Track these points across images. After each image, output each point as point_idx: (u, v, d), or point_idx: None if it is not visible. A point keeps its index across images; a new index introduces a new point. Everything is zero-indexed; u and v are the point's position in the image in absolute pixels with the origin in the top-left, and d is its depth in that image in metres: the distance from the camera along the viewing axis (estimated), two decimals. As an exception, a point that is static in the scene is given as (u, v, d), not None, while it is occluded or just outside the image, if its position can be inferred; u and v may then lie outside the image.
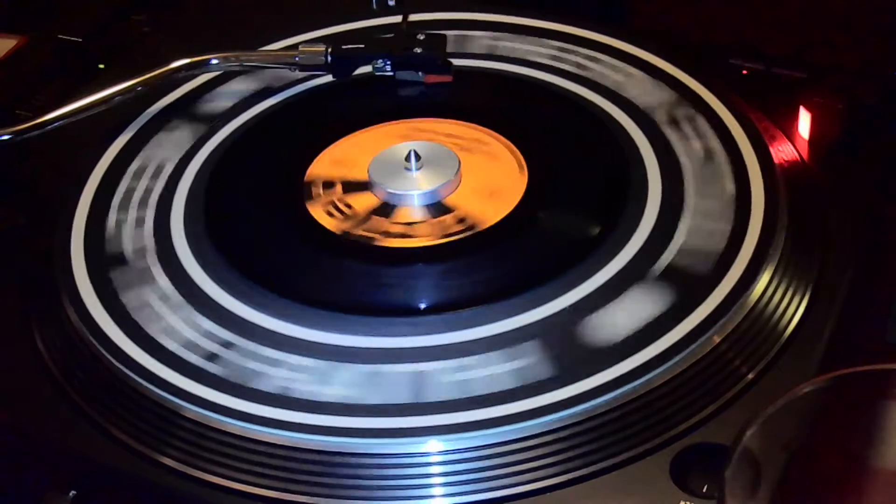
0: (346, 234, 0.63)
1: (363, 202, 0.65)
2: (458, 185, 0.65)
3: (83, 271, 0.62)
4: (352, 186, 0.65)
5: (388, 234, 0.62)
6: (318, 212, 0.64)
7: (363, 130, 0.69)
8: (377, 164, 0.66)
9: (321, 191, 0.65)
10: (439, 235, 0.62)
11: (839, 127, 0.67)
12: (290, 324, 0.58)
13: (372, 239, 0.62)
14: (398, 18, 0.74)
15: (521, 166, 0.66)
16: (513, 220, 0.63)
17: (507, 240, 0.62)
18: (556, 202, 0.64)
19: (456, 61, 0.72)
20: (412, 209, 0.64)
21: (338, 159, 0.68)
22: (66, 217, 0.65)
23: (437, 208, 0.64)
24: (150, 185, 0.67)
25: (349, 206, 0.64)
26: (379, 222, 0.63)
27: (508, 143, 0.67)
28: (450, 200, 0.64)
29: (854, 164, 0.66)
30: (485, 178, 0.65)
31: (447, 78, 0.72)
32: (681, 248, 0.60)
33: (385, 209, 0.64)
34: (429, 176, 0.65)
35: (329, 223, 0.63)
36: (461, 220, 0.63)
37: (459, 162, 0.65)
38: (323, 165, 0.67)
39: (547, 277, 0.59)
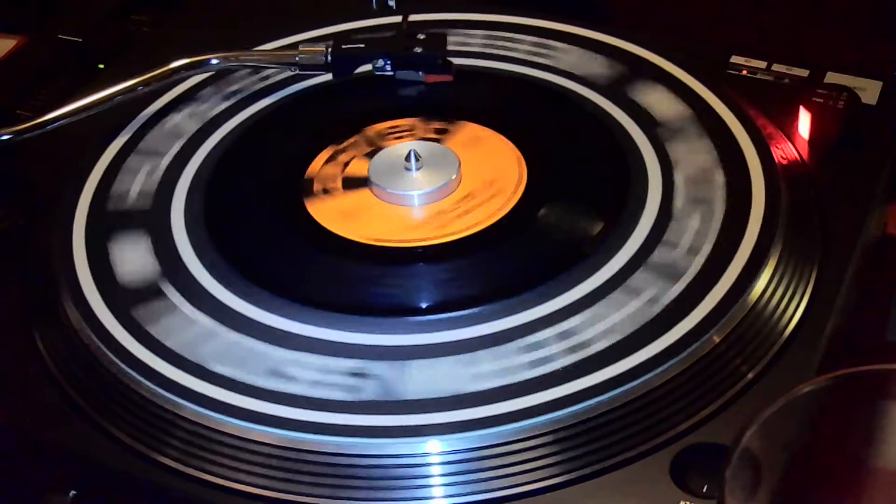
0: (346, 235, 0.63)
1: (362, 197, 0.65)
2: (458, 184, 0.65)
3: (83, 271, 0.61)
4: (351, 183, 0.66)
5: (388, 234, 0.62)
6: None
7: (363, 130, 0.69)
8: (377, 164, 0.66)
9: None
10: (439, 235, 0.62)
11: (839, 127, 0.67)
12: (292, 321, 0.58)
13: (372, 239, 0.62)
14: (398, 18, 0.74)
15: (520, 165, 0.66)
16: (513, 219, 0.63)
17: (507, 239, 0.62)
18: (556, 201, 0.64)
19: (456, 61, 0.72)
20: (412, 209, 0.64)
21: (338, 159, 0.68)
22: (66, 217, 0.65)
23: (437, 208, 0.64)
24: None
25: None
26: (379, 222, 0.63)
27: (508, 142, 0.67)
28: (450, 200, 0.64)
29: (854, 164, 0.66)
30: (485, 177, 0.65)
31: (447, 77, 0.72)
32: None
33: (385, 209, 0.64)
34: (429, 176, 0.65)
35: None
36: (461, 220, 0.63)
37: (459, 162, 0.65)
38: (323, 165, 0.67)
39: (547, 276, 0.59)
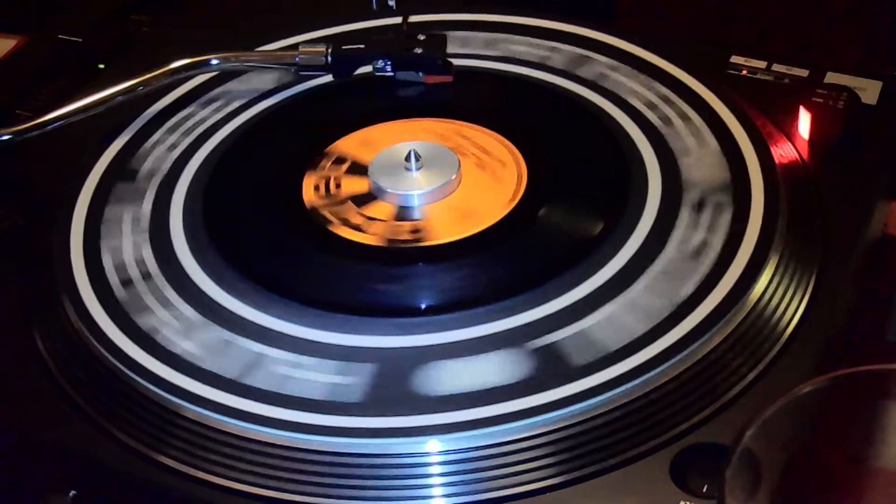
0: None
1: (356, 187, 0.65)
2: (458, 184, 0.65)
3: (83, 271, 0.62)
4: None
5: (387, 234, 0.62)
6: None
7: (363, 130, 0.69)
8: (377, 164, 0.66)
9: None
10: (439, 235, 0.62)
11: (839, 127, 0.67)
12: (289, 323, 0.58)
13: (371, 238, 0.62)
14: (398, 19, 0.74)
15: (520, 166, 0.66)
16: (512, 219, 0.63)
17: (507, 239, 0.62)
18: (556, 202, 0.64)
19: (456, 61, 0.72)
20: (412, 209, 0.64)
21: (338, 159, 0.68)
22: (66, 217, 0.65)
23: (437, 208, 0.64)
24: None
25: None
26: (378, 222, 0.63)
27: (508, 142, 0.67)
28: (450, 200, 0.64)
29: (854, 164, 0.66)
30: (485, 177, 0.65)
31: (447, 78, 0.72)
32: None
33: (385, 209, 0.64)
34: (429, 176, 0.65)
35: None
36: (461, 220, 0.63)
37: (459, 162, 0.65)
38: (323, 165, 0.67)
39: (547, 276, 0.59)
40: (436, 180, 0.64)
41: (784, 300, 0.58)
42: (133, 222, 0.64)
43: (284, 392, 0.54)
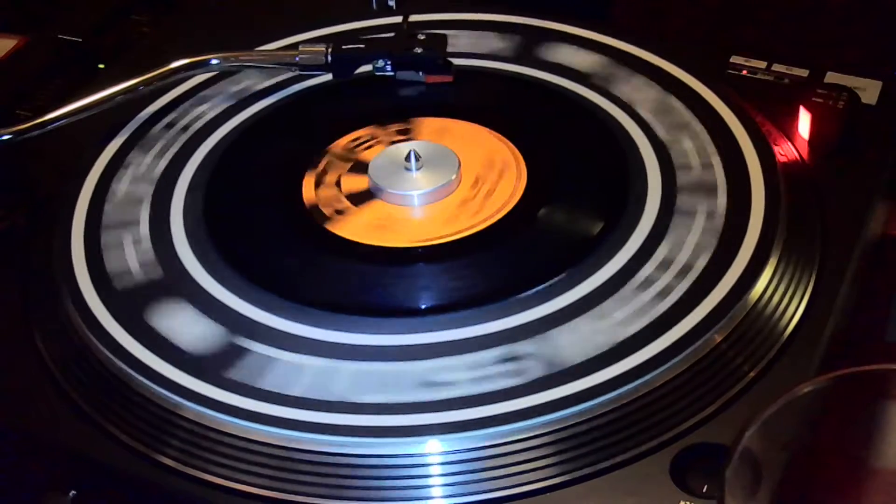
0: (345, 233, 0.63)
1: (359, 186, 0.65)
2: (458, 184, 0.65)
3: (83, 271, 0.62)
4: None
5: (387, 234, 0.62)
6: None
7: (363, 130, 0.69)
8: (377, 164, 0.66)
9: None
10: (439, 235, 0.62)
11: (839, 127, 0.67)
12: (290, 322, 0.58)
13: (371, 238, 0.62)
14: (398, 19, 0.74)
15: (520, 166, 0.66)
16: (512, 219, 0.63)
17: (507, 239, 0.62)
18: (556, 202, 0.64)
19: (456, 61, 0.72)
20: (412, 209, 0.64)
21: (338, 159, 0.68)
22: (66, 217, 0.65)
23: (437, 208, 0.64)
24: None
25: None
26: (379, 222, 0.63)
27: (508, 142, 0.67)
28: (450, 200, 0.64)
29: (854, 164, 0.66)
30: (484, 177, 0.65)
31: (448, 78, 0.72)
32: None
33: (385, 209, 0.64)
34: (429, 176, 0.65)
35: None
36: (461, 220, 0.63)
37: (459, 162, 0.65)
38: (323, 165, 0.67)
39: (547, 276, 0.59)
40: (436, 180, 0.64)
41: (784, 300, 0.58)
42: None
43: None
